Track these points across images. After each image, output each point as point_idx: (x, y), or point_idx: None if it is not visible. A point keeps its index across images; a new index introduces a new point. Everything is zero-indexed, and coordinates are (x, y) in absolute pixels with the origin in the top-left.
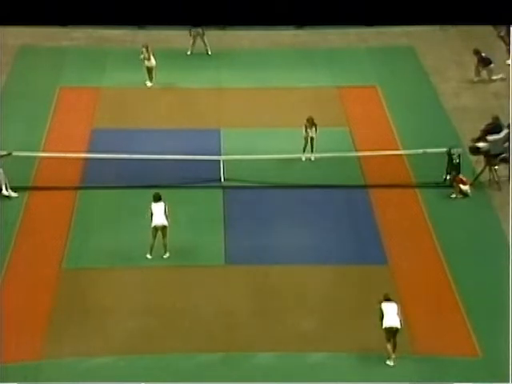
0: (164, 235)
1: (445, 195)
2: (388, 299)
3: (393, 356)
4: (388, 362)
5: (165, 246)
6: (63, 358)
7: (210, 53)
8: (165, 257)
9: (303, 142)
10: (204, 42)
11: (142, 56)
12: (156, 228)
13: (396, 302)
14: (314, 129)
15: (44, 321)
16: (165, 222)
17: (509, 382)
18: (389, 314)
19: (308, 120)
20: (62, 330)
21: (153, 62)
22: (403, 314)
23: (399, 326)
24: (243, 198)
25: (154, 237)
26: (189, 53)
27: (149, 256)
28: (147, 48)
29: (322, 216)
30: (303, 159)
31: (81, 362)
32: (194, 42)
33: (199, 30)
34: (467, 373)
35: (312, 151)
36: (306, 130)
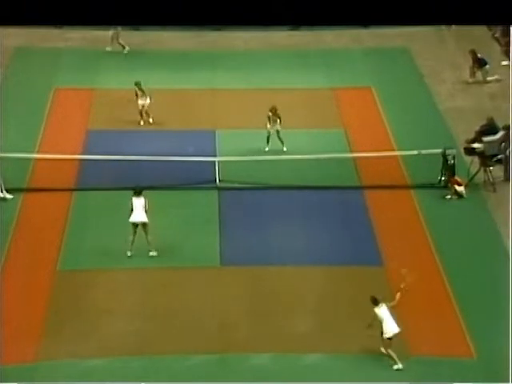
0: (146, 232)
1: (440, 196)
2: (376, 302)
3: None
4: (396, 366)
5: (149, 243)
6: (58, 360)
7: (126, 52)
8: (151, 254)
9: (266, 134)
10: (119, 41)
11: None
12: (135, 224)
13: (384, 302)
14: (278, 121)
15: (39, 323)
16: (144, 219)
17: (502, 382)
18: (388, 321)
19: (271, 110)
20: (58, 332)
21: (147, 100)
22: (397, 315)
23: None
24: (238, 200)
25: (134, 233)
26: (109, 49)
27: (129, 253)
28: (139, 86)
29: (317, 217)
30: (267, 150)
31: (76, 364)
32: (113, 41)
33: (118, 29)
34: (462, 373)
35: (282, 144)
36: (269, 122)
